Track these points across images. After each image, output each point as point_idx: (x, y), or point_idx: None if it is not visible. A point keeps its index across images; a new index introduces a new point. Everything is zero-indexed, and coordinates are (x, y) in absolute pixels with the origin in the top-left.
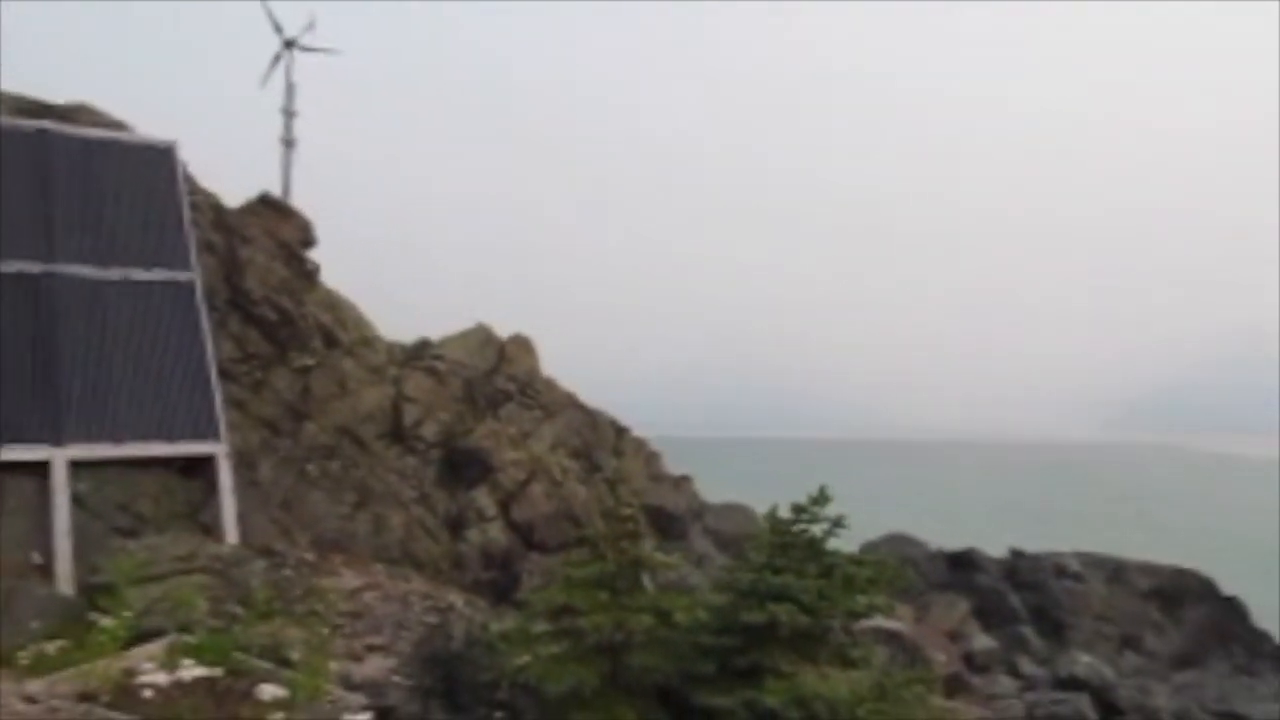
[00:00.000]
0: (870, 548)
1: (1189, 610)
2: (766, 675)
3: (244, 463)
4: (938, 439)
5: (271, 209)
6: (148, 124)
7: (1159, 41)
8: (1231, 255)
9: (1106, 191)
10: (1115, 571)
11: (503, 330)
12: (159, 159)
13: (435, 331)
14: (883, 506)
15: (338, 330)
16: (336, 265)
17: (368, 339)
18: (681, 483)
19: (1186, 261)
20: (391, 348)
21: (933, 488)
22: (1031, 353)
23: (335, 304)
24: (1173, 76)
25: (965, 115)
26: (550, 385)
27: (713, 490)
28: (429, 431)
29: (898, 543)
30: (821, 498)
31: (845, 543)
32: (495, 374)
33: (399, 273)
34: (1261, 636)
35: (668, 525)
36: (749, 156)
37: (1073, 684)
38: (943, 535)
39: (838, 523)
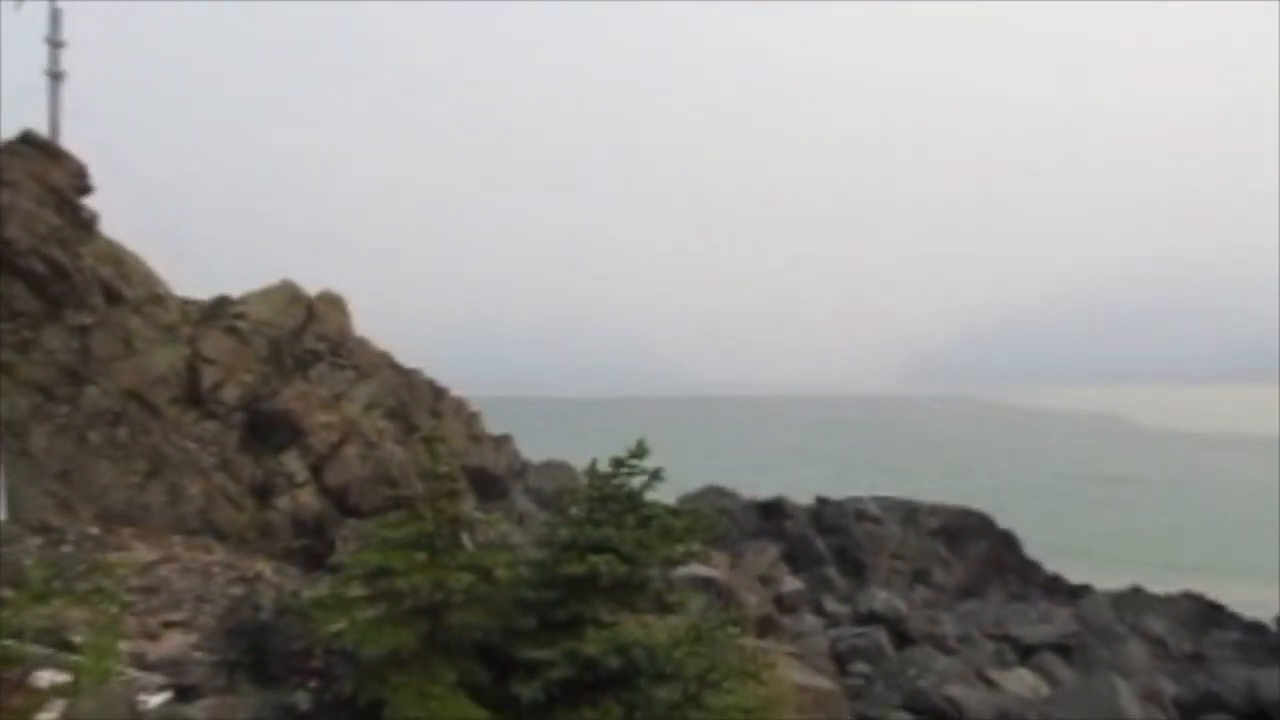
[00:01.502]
0: (688, 499)
1: (971, 545)
2: (587, 625)
3: (12, 432)
4: (750, 394)
5: (38, 150)
6: None
7: (988, 35)
8: (1032, 222)
9: (924, 166)
10: (908, 513)
11: (312, 287)
12: None
13: (236, 288)
14: (699, 460)
15: (121, 285)
16: (123, 215)
17: (158, 295)
18: (502, 443)
19: (988, 227)
20: (186, 305)
21: (746, 441)
22: (839, 310)
23: (118, 257)
24: (1009, 59)
25: (810, 93)
26: (363, 345)
27: (534, 449)
28: (230, 394)
29: (713, 494)
30: (640, 450)
31: (663, 495)
32: (303, 333)
33: (199, 225)
34: (1033, 566)
35: (488, 485)
36: (603, 120)
37: (871, 618)
38: (755, 486)
39: (656, 475)
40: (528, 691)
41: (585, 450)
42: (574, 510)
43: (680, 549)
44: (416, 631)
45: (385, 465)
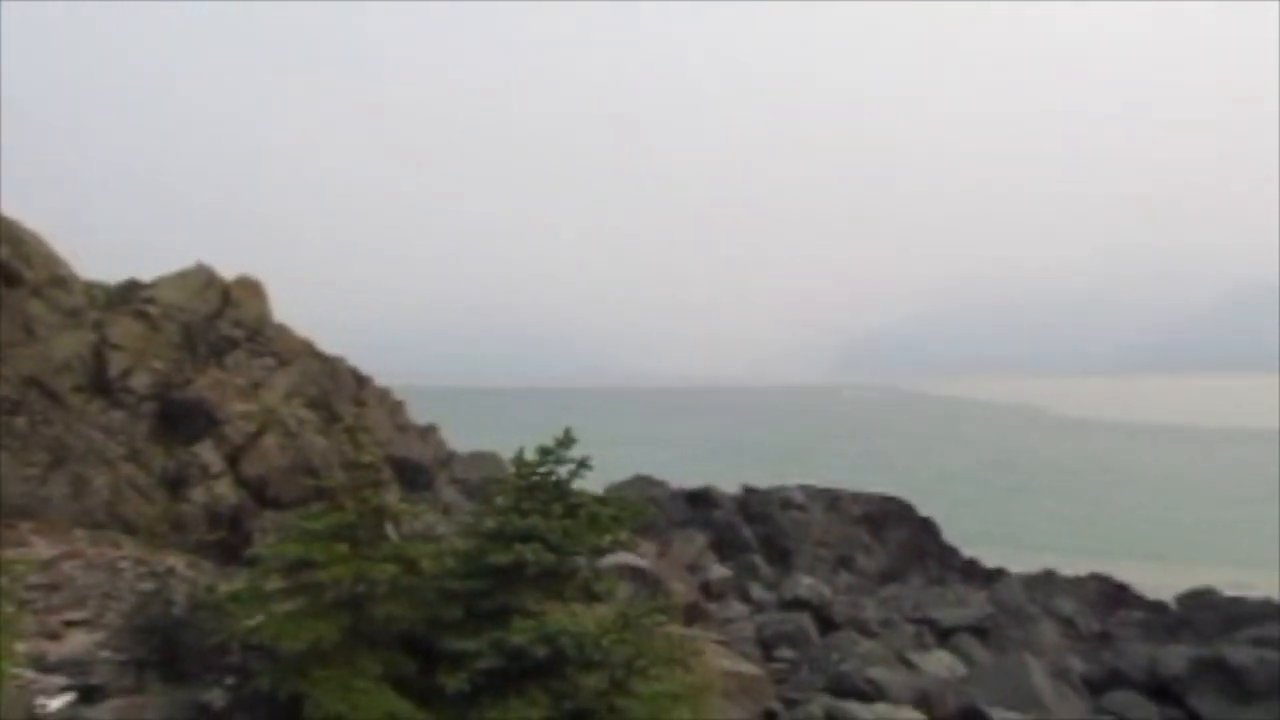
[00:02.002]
0: (615, 489)
1: (892, 532)
2: (514, 615)
3: None
4: (680, 385)
5: None
6: None
7: (927, 34)
8: (958, 217)
9: (856, 161)
10: (832, 501)
11: (228, 272)
12: None
13: (147, 272)
14: (628, 450)
15: (20, 267)
16: (29, 196)
17: (60, 278)
18: (427, 432)
19: (915, 222)
20: (91, 289)
21: (674, 431)
22: (766, 301)
23: (17, 237)
24: (943, 57)
25: (748, 90)
26: (283, 332)
27: (460, 439)
28: (140, 382)
29: (642, 483)
30: (567, 440)
31: (592, 485)
32: (219, 319)
33: (108, 208)
34: (951, 551)
35: (414, 475)
36: (543, 112)
37: (796, 604)
38: (683, 475)
39: (583, 464)
40: (454, 682)
41: (514, 440)
42: (500, 500)
43: (607, 538)
44: (338, 624)
45: (306, 455)
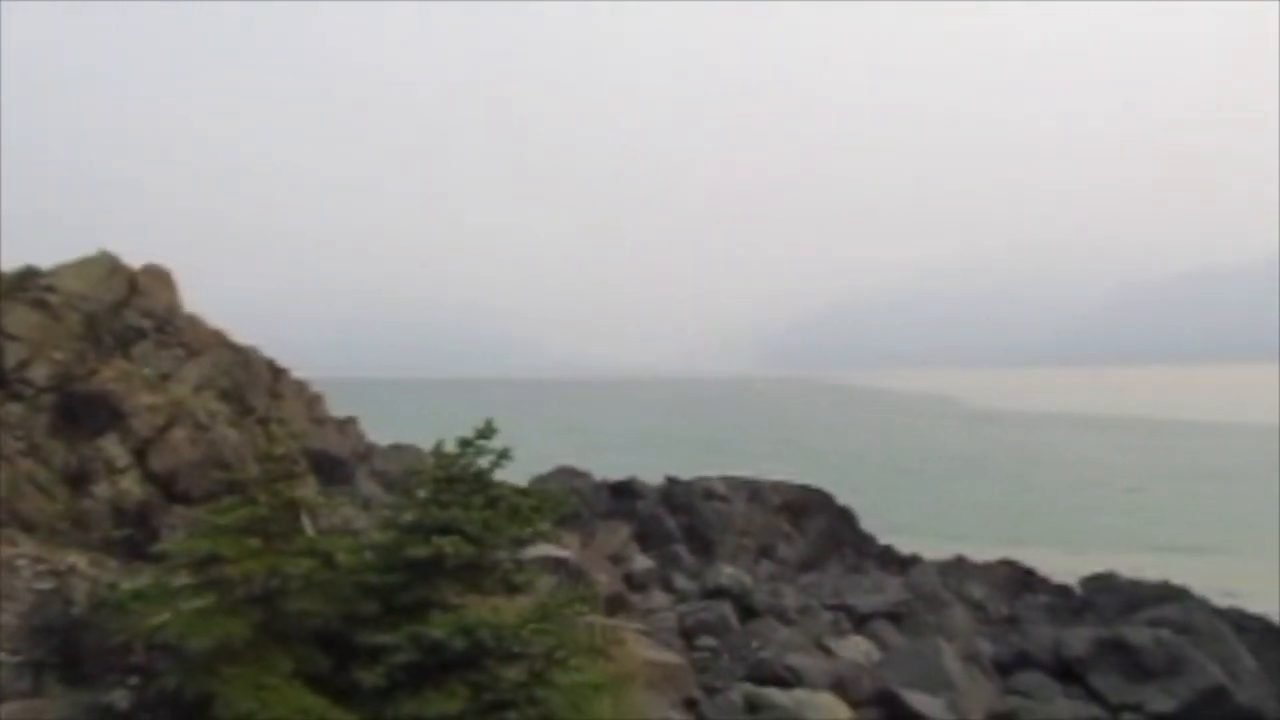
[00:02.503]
0: (540, 481)
1: (812, 521)
2: (432, 608)
3: None
4: (604, 376)
5: None
6: None
7: (845, 35)
8: (877, 212)
9: (780, 155)
10: (754, 492)
11: (135, 260)
12: None
13: (45, 259)
14: (552, 442)
15: None
16: None
17: None
18: (346, 425)
19: (837, 215)
20: None
21: (599, 423)
22: (692, 294)
23: None
24: (860, 59)
25: (668, 81)
26: (194, 322)
27: (382, 432)
28: (39, 374)
29: (565, 475)
30: (487, 431)
31: (515, 476)
32: (125, 308)
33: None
34: (868, 539)
35: (332, 469)
36: (467, 101)
37: (718, 593)
38: (608, 467)
39: (503, 455)
40: (369, 678)
41: (438, 433)
42: (420, 492)
43: (528, 529)
44: (249, 621)
45: (218, 449)
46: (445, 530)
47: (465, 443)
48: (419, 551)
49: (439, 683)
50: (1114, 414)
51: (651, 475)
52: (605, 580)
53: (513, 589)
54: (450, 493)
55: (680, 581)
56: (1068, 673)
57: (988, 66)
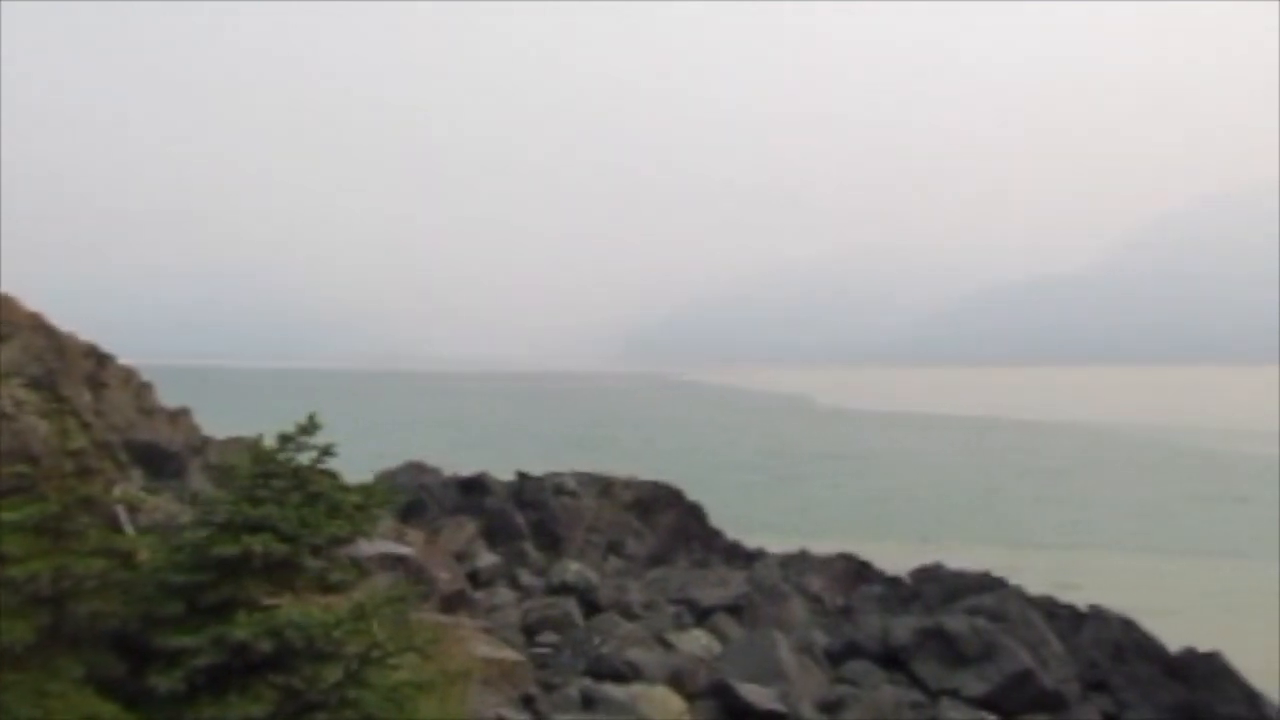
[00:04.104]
0: (386, 476)
1: (662, 517)
2: (239, 608)
3: None
4: (461, 369)
5: None
6: None
7: (676, 33)
8: (734, 212)
9: (638, 149)
10: (604, 487)
11: None
12: None
13: None
14: (404, 435)
15: None
16: None
17: None
18: (178, 416)
19: (693, 213)
20: None
21: (451, 416)
22: (547, 287)
23: None
24: (705, 59)
25: (527, 70)
26: (7, 303)
27: (220, 424)
28: None
29: (413, 470)
30: (310, 425)
31: (362, 472)
32: None
33: None
34: (715, 534)
35: (162, 462)
36: (306, 76)
37: (563, 589)
38: (460, 462)
39: (326, 450)
40: (166, 682)
41: (280, 426)
42: (233, 487)
43: (348, 526)
44: (34, 623)
45: (25, 441)
46: (258, 528)
47: (285, 438)
48: (226, 549)
49: (243, 686)
50: (959, 413)
51: (503, 471)
52: (447, 578)
53: (329, 588)
54: (266, 489)
55: (526, 578)
56: (893, 660)
57: (852, 68)
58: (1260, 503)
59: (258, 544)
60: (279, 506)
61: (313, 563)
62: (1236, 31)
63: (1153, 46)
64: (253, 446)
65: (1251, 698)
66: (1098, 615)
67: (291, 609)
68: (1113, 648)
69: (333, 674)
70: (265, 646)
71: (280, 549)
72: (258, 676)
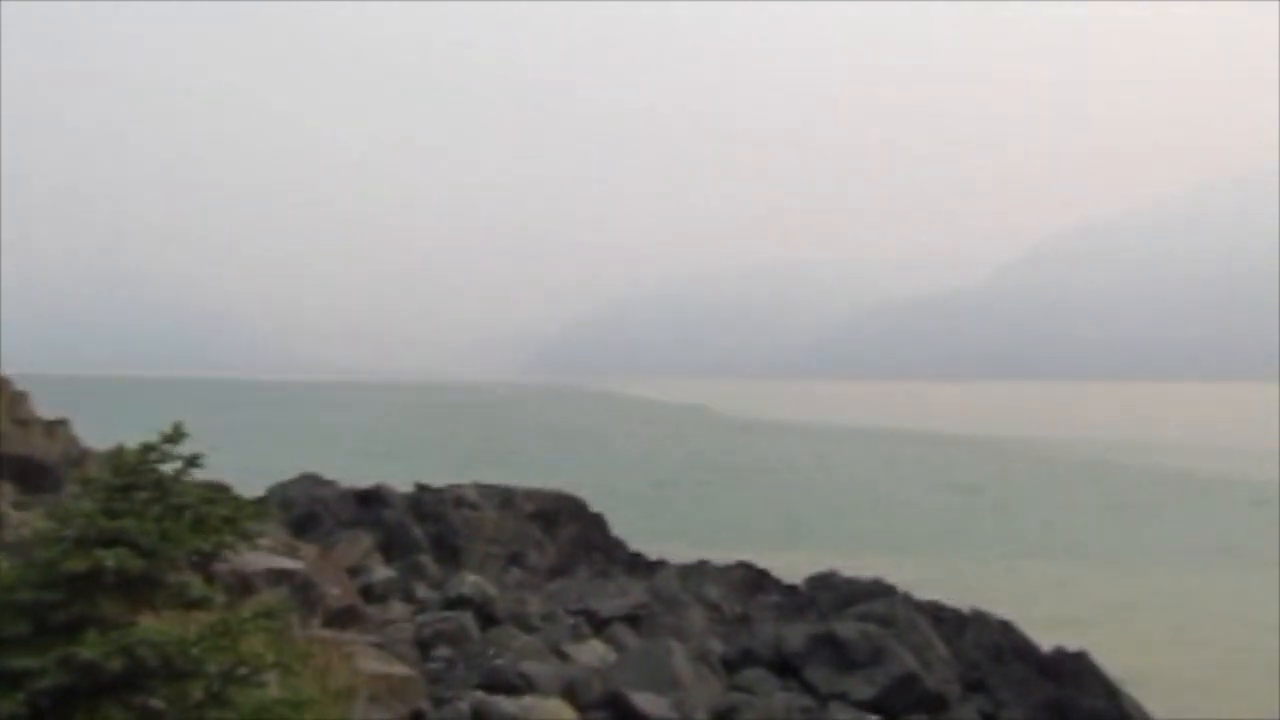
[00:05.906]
0: (280, 488)
1: (564, 528)
2: (90, 627)
3: None
4: (361, 379)
5: None
6: None
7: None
8: (637, 225)
9: (542, 158)
10: (506, 499)
11: None
12: None
13: None
14: (300, 447)
15: None
16: None
17: None
18: (55, 428)
19: (599, 226)
20: None
21: (349, 427)
22: (454, 296)
23: None
24: (620, 59)
25: (449, 66)
26: None
27: (103, 435)
28: None
29: (309, 482)
30: (175, 435)
31: (256, 484)
32: None
33: None
34: (617, 544)
35: (38, 476)
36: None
37: (460, 602)
38: (359, 474)
39: (192, 461)
40: (7, 705)
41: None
42: (89, 500)
43: (215, 540)
44: None
45: None
46: (113, 542)
47: (148, 448)
48: (77, 565)
49: (91, 708)
50: (860, 425)
51: (403, 483)
52: (337, 592)
53: (190, 604)
54: (125, 502)
55: (422, 591)
56: (787, 667)
57: (750, 75)
58: (1149, 510)
59: (110, 559)
60: (138, 519)
61: (174, 578)
62: (1138, 41)
63: (1070, 54)
64: (113, 456)
65: (1112, 693)
66: (979, 618)
67: (146, 626)
68: (993, 649)
69: (192, 693)
70: (115, 666)
71: (137, 564)
72: (109, 697)
